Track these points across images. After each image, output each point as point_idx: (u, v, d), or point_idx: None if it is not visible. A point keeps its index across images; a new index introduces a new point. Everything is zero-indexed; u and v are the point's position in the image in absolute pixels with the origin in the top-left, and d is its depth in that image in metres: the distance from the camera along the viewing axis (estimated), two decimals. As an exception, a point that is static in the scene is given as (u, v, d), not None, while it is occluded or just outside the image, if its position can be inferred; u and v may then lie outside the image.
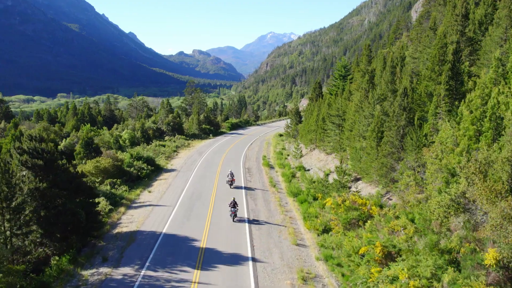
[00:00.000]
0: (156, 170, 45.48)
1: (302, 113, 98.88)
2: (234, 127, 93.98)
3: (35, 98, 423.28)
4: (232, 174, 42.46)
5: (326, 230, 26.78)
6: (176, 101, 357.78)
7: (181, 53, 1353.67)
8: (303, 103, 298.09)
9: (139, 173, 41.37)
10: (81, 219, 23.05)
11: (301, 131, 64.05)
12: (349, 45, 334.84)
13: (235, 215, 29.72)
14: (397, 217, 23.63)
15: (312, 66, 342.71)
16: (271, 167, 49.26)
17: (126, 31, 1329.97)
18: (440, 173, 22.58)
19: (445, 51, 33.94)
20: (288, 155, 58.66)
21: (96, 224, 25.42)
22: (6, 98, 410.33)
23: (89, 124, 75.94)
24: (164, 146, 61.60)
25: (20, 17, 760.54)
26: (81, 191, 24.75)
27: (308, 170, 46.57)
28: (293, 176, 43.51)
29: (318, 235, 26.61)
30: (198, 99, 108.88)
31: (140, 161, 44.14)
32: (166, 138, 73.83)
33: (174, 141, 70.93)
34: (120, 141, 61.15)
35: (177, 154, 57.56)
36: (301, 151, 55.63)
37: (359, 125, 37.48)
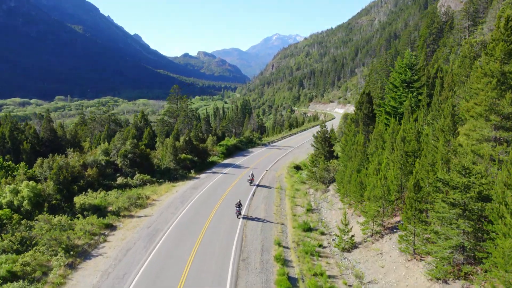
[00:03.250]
0: None
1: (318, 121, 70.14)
2: (231, 151, 65.38)
3: (32, 101, 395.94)
4: (252, 175, 44.81)
5: None
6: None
7: (186, 54, 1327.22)
8: (312, 108, 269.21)
9: None
10: None
11: (340, 178, 35.40)
12: (360, 45, 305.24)
13: None
14: None
15: (321, 67, 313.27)
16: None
17: (131, 33, 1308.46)
18: None
19: None
20: (322, 233, 30.21)
21: None
22: (0, 101, 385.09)
23: (-2, 158, 47.23)
24: (84, 213, 32.77)
25: (23, 18, 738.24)
26: None
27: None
28: None
29: None
30: (184, 110, 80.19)
31: None
32: (120, 180, 45.27)
33: (128, 190, 42.41)
34: (15, 201, 32.93)
35: (92, 250, 27.42)
36: (352, 235, 27.19)
37: None
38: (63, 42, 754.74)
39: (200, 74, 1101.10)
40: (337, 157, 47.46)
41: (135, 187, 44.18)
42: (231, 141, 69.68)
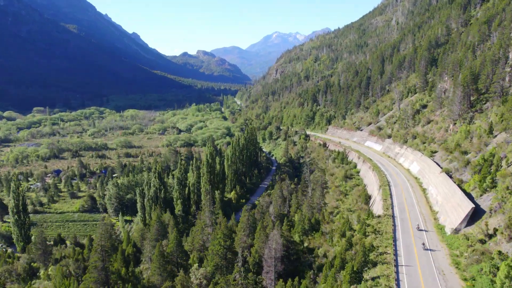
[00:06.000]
0: None
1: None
2: None
3: (5, 114, 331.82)
4: None
5: None
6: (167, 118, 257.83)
7: (185, 54, 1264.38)
8: (331, 132, 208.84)
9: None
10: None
11: None
12: (385, 52, 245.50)
13: None
14: None
15: (337, 80, 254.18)
16: None
17: (130, 31, 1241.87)
18: None
19: None
20: None
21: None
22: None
23: None
24: None
25: (13, 17, 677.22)
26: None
27: None
28: None
29: None
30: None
31: None
32: None
33: None
34: None
35: None
36: None
37: None
38: (55, 43, 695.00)
39: (199, 74, 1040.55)
40: None
41: None
42: None
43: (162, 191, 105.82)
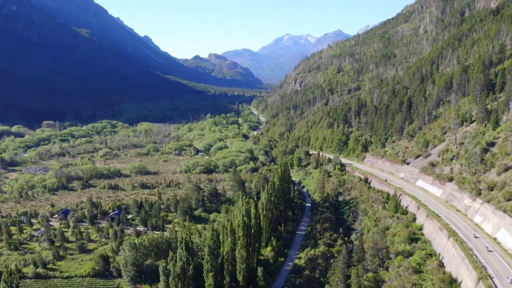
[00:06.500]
0: None
1: None
2: None
3: (13, 129, 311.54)
4: None
5: None
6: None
7: (196, 57, 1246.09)
8: (370, 162, 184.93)
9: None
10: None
11: None
12: (422, 67, 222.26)
13: None
14: None
15: (370, 98, 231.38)
16: None
17: (142, 34, 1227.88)
18: None
19: None
20: None
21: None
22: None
23: None
24: None
25: (24, 22, 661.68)
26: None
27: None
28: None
29: None
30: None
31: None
32: None
33: None
34: None
35: None
36: None
37: None
38: (66, 47, 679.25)
39: (211, 78, 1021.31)
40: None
41: None
42: None
43: (191, 266, 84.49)
